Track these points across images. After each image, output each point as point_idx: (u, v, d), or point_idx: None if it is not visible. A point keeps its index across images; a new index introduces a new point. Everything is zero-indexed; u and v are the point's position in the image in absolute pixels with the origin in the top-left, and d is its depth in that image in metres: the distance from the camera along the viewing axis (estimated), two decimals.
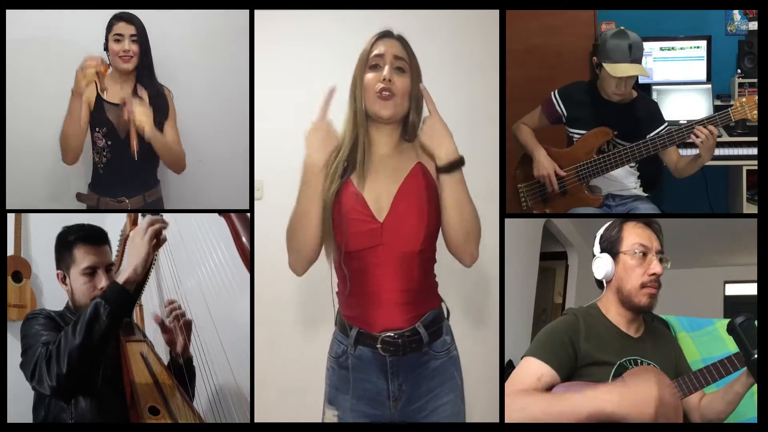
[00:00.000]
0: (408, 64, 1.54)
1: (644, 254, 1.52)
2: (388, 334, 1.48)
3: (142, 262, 1.54)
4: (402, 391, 1.50)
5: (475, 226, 1.52)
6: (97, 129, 2.13)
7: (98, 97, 2.10)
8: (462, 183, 1.49)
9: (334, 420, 1.54)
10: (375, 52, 1.53)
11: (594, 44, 2.73)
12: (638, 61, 2.13)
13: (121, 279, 1.52)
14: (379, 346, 1.48)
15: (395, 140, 1.57)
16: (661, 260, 1.53)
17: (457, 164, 1.46)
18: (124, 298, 1.51)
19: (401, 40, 1.56)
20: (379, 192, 1.51)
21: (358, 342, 1.51)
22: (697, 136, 2.08)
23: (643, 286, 1.51)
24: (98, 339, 1.46)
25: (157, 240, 1.60)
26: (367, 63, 1.53)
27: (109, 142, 2.14)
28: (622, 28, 2.18)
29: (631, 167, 2.28)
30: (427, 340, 1.50)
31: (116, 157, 2.15)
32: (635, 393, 1.29)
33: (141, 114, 2.07)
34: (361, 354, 1.51)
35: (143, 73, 2.17)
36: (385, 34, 1.56)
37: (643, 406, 1.27)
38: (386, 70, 1.50)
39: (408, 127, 1.57)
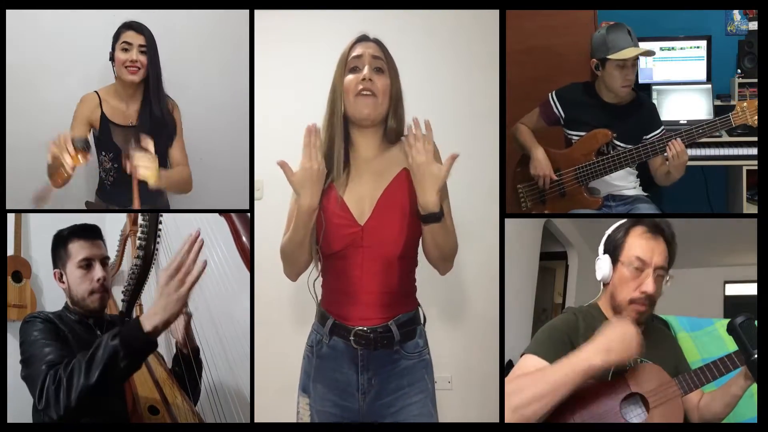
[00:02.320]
0: (386, 64, 1.57)
1: (641, 269, 1.48)
2: (361, 328, 1.52)
3: (174, 317, 1.35)
4: (371, 384, 1.54)
5: (451, 251, 1.57)
6: (103, 153, 2.08)
7: (104, 119, 2.05)
8: (440, 228, 1.50)
9: (306, 408, 1.57)
10: (353, 54, 1.56)
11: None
12: (638, 45, 2.16)
13: (147, 325, 1.33)
14: (351, 338, 1.52)
15: (377, 142, 1.60)
16: (660, 276, 1.48)
17: (432, 218, 1.48)
18: (147, 348, 1.37)
19: (378, 42, 1.59)
20: (361, 194, 1.54)
21: (332, 332, 1.55)
22: (671, 149, 2.09)
23: (632, 301, 1.48)
24: (113, 381, 1.38)
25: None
26: (346, 66, 1.55)
27: (116, 165, 2.08)
28: (612, 22, 2.19)
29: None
30: (399, 338, 1.54)
31: (123, 177, 2.04)
32: (617, 337, 1.32)
33: (145, 169, 1.88)
34: (334, 344, 1.55)
35: (152, 89, 2.08)
36: (362, 38, 1.59)
37: (628, 345, 1.31)
38: (366, 70, 1.53)
39: (388, 129, 1.59)
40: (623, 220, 1.57)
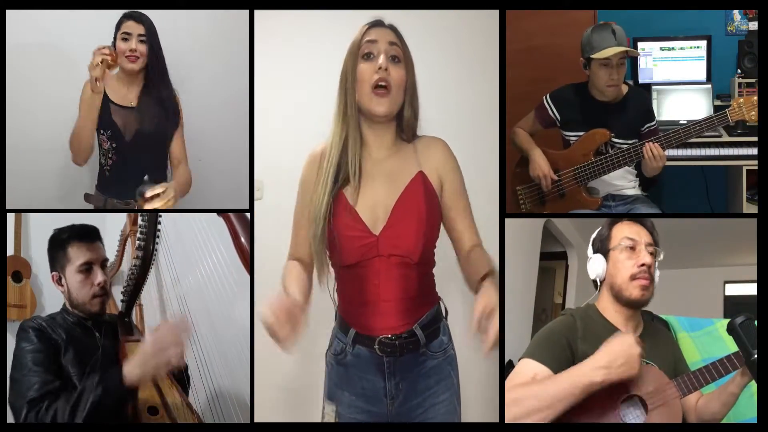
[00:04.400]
0: (402, 52, 1.47)
1: (633, 247, 1.51)
2: (386, 336, 1.47)
3: (155, 378, 1.51)
4: (399, 389, 1.50)
5: None
6: (102, 131, 2.10)
7: (104, 99, 2.07)
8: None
9: (332, 415, 1.54)
10: (367, 38, 1.46)
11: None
12: (624, 45, 2.13)
13: (129, 380, 1.42)
14: (376, 347, 1.48)
15: (390, 140, 1.52)
16: (651, 252, 1.51)
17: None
18: (128, 398, 1.48)
19: (393, 28, 1.50)
20: (374, 201, 1.46)
21: (356, 342, 1.51)
22: (647, 152, 2.10)
23: (633, 277, 1.49)
24: (98, 422, 1.43)
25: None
26: (359, 52, 1.45)
27: (114, 145, 2.10)
28: (602, 22, 2.19)
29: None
30: (425, 341, 1.50)
31: (121, 159, 2.11)
32: (619, 353, 1.33)
33: (161, 201, 1.84)
34: (359, 352, 1.51)
35: (154, 76, 2.12)
36: (377, 23, 1.50)
37: (629, 362, 1.32)
38: (381, 59, 1.43)
39: (403, 123, 1.51)
40: (602, 222, 1.61)
